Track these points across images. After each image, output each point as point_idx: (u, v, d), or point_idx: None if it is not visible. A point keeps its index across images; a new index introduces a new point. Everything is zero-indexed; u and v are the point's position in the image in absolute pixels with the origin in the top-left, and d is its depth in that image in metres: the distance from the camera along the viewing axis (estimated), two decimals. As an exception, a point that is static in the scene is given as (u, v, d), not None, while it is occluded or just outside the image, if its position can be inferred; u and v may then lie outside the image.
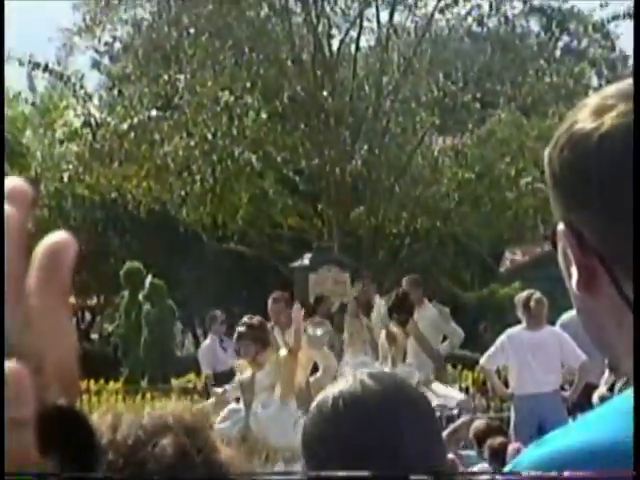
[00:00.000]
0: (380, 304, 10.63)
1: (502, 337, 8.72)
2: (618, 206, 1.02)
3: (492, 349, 8.75)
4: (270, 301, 9.64)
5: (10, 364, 0.51)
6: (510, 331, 8.70)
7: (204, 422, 1.18)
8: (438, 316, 10.43)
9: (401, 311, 9.54)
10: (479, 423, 7.13)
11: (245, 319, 8.22)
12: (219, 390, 8.84)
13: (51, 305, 0.55)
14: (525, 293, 8.94)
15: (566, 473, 1.00)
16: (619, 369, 1.09)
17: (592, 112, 1.07)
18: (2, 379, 0.46)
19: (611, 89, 1.09)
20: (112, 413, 1.17)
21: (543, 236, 19.00)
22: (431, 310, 10.51)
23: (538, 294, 8.77)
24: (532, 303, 8.61)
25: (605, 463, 0.98)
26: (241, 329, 8.06)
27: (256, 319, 8.24)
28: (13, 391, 0.50)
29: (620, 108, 1.05)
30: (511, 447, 5.98)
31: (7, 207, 0.54)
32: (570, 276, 1.08)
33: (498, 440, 6.12)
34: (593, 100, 1.10)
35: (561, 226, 1.08)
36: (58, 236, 0.57)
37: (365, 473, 0.60)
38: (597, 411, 1.12)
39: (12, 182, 0.56)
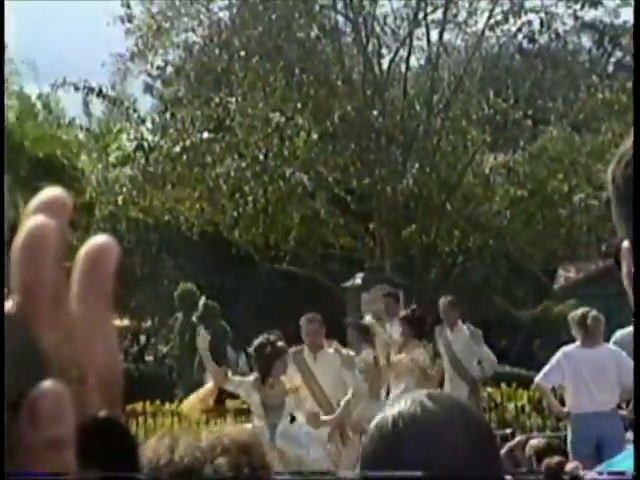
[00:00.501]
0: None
1: (558, 355, 8.62)
2: None
3: (548, 367, 8.65)
4: (304, 322, 9.35)
5: (48, 383, 0.50)
6: (566, 349, 8.61)
7: (258, 442, 1.19)
8: (471, 338, 10.33)
9: (418, 334, 9.57)
10: (537, 441, 7.06)
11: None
12: None
13: (93, 311, 0.55)
14: (580, 311, 8.85)
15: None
16: None
17: None
18: (2, 379, 0.46)
19: None
20: (170, 435, 1.18)
21: (598, 253, 18.84)
22: (465, 332, 10.41)
23: (594, 312, 8.68)
24: (589, 320, 8.52)
25: None
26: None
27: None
28: (53, 411, 0.50)
29: None
30: (569, 466, 5.92)
31: (44, 217, 0.53)
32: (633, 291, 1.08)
33: (556, 459, 6.05)
34: None
35: (626, 243, 1.07)
36: (99, 240, 0.56)
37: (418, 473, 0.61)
38: None
39: (50, 192, 0.55)
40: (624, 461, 1.10)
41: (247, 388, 8.10)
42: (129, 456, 0.53)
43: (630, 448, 1.16)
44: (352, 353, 9.50)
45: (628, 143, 1.10)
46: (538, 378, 8.74)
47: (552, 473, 5.81)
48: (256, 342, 8.40)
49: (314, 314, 9.29)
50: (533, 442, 7.06)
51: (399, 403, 1.64)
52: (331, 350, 9.15)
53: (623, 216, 1.08)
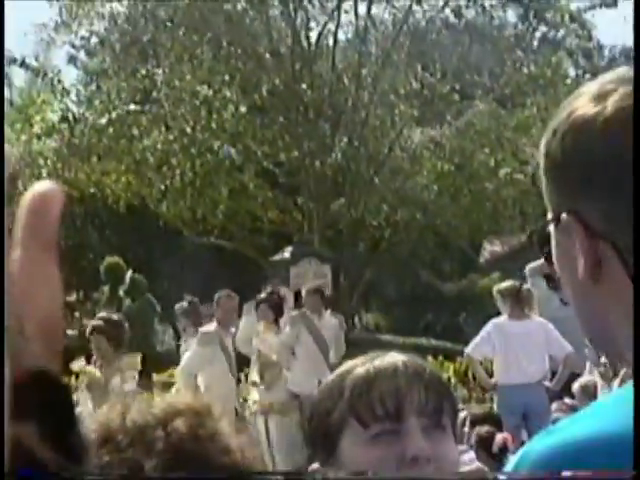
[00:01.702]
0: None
1: (488, 326, 8.70)
2: (627, 189, 1.02)
3: (478, 338, 8.73)
4: (222, 298, 9.26)
5: None
6: (496, 320, 8.69)
7: (213, 410, 1.18)
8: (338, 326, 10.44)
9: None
10: (476, 409, 7.13)
11: None
12: None
13: (35, 257, 0.51)
14: (507, 283, 8.95)
15: (565, 473, 1.00)
16: (622, 358, 1.09)
17: (592, 98, 1.07)
18: (2, 379, 0.44)
19: (608, 75, 1.10)
20: (121, 402, 1.18)
21: (522, 227, 19.05)
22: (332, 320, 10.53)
23: (525, 285, 8.80)
24: (522, 293, 8.63)
25: (617, 452, 0.98)
26: None
27: None
28: None
29: (621, 91, 1.05)
30: (499, 436, 5.99)
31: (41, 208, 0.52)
32: (566, 268, 1.08)
33: (485, 428, 6.12)
34: (591, 87, 1.10)
35: (563, 215, 1.07)
36: (43, 186, 0.53)
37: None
38: (605, 400, 1.11)
39: (44, 186, 0.54)
40: (566, 427, 1.10)
41: None
42: (65, 411, 0.51)
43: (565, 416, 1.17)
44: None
45: (561, 115, 1.10)
46: (468, 349, 8.82)
47: (483, 441, 5.87)
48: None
49: (229, 291, 9.28)
50: (473, 410, 7.13)
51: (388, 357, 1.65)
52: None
53: (561, 188, 1.08)
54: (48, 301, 0.52)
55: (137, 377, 7.73)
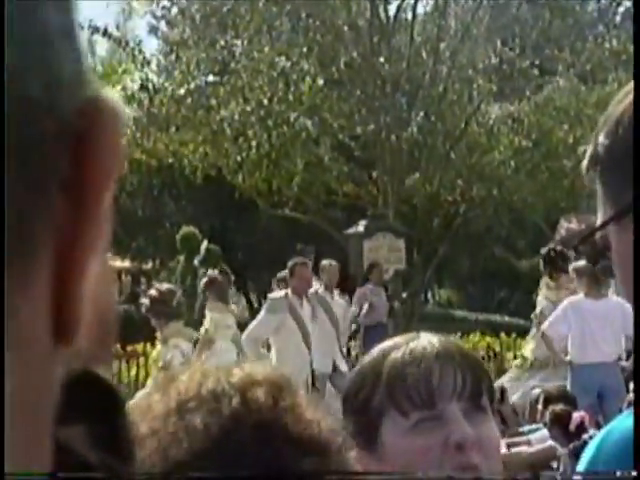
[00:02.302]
0: None
1: (564, 305, 8.62)
2: None
3: (554, 316, 8.67)
4: (296, 265, 9.20)
5: None
6: (572, 299, 8.61)
7: (291, 381, 1.19)
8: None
9: None
10: (550, 387, 7.09)
11: None
12: None
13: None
14: (583, 263, 8.86)
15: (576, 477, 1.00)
16: None
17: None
18: (2, 379, 0.42)
19: None
20: (201, 370, 1.19)
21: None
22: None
23: (603, 263, 8.71)
24: (598, 272, 8.54)
25: None
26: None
27: None
28: None
29: None
30: (576, 415, 5.94)
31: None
32: (627, 264, 1.07)
33: (560, 406, 6.08)
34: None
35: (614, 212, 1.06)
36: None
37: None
38: None
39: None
40: (623, 420, 1.10)
41: None
42: (115, 414, 0.50)
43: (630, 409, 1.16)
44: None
45: (618, 107, 1.09)
46: (544, 327, 8.76)
47: (558, 419, 5.84)
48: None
49: (302, 258, 9.27)
50: (547, 387, 7.08)
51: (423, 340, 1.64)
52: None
53: (621, 182, 1.07)
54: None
55: (184, 345, 7.78)
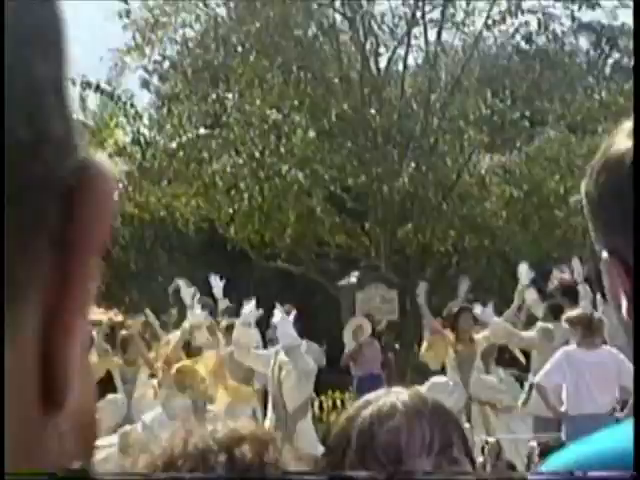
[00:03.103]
0: None
1: (559, 354, 8.60)
2: None
3: (549, 366, 8.64)
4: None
5: None
6: (567, 349, 8.59)
7: (275, 436, 1.19)
8: None
9: None
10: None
11: None
12: None
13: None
14: (577, 312, 8.85)
15: (577, 472, 1.00)
16: None
17: (627, 135, 1.06)
18: (2, 379, 0.41)
19: None
20: (185, 427, 1.18)
21: (591, 256, 18.86)
22: None
23: (596, 313, 8.71)
24: (594, 322, 8.54)
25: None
26: None
27: None
28: None
29: None
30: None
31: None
32: (616, 303, 1.07)
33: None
34: (628, 124, 1.09)
35: (605, 255, 1.06)
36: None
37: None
38: None
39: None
40: (599, 439, 1.09)
41: None
42: None
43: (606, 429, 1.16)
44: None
45: (599, 155, 1.10)
46: (538, 378, 8.73)
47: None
48: None
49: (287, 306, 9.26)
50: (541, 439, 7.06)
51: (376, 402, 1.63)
52: None
53: (601, 227, 1.07)
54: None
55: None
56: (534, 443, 6.93)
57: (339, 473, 1.52)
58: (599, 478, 0.95)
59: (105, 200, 0.45)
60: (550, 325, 10.29)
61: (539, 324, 10.56)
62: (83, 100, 26.39)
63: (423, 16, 20.07)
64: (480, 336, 10.20)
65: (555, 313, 10.19)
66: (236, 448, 1.12)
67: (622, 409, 8.39)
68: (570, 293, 11.48)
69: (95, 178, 0.45)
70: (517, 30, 20.62)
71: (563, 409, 8.63)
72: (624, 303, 1.04)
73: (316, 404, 13.08)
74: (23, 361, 0.43)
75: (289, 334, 8.86)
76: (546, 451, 6.34)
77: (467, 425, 7.81)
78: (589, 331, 8.50)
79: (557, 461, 1.10)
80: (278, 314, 9.12)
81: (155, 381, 9.19)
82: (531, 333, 10.49)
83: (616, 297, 1.07)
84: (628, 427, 1.08)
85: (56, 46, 0.46)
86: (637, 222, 1.00)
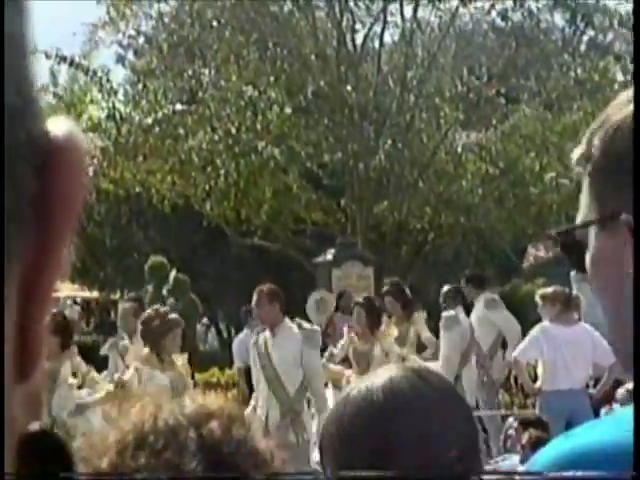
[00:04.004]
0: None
1: (536, 330, 8.63)
2: None
3: (526, 342, 8.67)
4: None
5: None
6: (544, 325, 8.62)
7: (242, 413, 1.19)
8: None
9: None
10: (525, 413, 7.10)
11: None
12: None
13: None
14: (553, 289, 8.89)
15: (566, 473, 1.00)
16: None
17: (628, 100, 1.08)
18: (2, 379, 0.42)
19: None
20: (154, 403, 1.18)
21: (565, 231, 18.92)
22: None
23: (571, 290, 8.77)
24: (571, 298, 8.60)
25: (619, 464, 0.98)
26: None
27: None
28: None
29: None
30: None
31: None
32: (606, 271, 1.07)
33: (537, 432, 6.10)
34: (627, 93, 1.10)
35: (623, 217, 1.05)
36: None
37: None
38: (628, 410, 1.10)
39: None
40: (584, 432, 1.10)
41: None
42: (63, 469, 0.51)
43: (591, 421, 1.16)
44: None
45: (603, 117, 1.10)
46: (516, 353, 8.77)
47: (537, 444, 5.84)
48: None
49: (265, 286, 8.53)
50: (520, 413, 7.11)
51: (383, 375, 1.57)
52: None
53: (610, 188, 1.07)
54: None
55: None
56: (510, 419, 6.98)
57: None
58: (599, 478, 0.95)
59: (78, 166, 0.46)
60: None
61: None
62: (56, 75, 26.26)
63: (400, -8, 20.03)
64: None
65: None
66: (205, 425, 1.12)
67: (595, 385, 8.47)
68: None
69: (66, 144, 0.46)
70: (493, 7, 20.61)
71: (538, 384, 8.69)
72: (629, 263, 1.04)
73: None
74: (7, 329, 0.43)
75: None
76: (526, 424, 6.38)
77: None
78: (566, 307, 8.55)
79: (542, 459, 1.10)
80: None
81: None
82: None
83: (613, 262, 1.06)
84: (608, 422, 1.08)
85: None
86: (637, 218, 1.01)
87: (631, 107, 1.07)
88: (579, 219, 1.13)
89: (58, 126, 0.46)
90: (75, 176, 0.45)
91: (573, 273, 9.46)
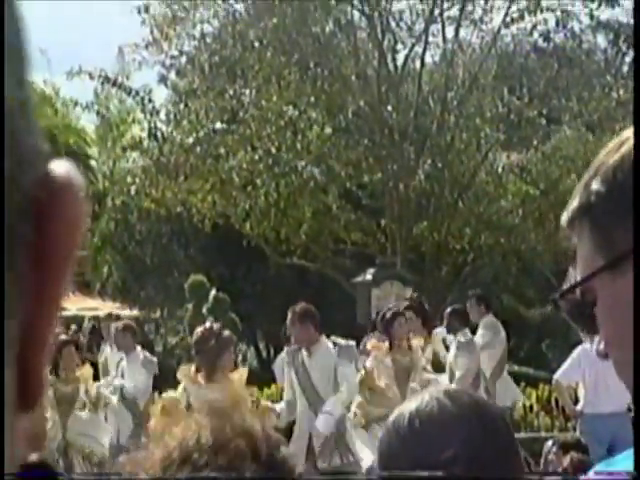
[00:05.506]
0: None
1: (577, 352, 8.54)
2: None
3: (567, 364, 8.59)
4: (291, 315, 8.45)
5: None
6: (586, 347, 8.54)
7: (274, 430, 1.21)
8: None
9: None
10: (564, 436, 7.03)
11: None
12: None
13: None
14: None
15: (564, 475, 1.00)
16: None
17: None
18: (2, 379, 0.44)
19: None
20: (195, 421, 1.20)
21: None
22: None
23: None
24: None
25: None
26: None
27: None
28: None
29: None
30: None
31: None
32: (621, 316, 1.06)
33: (579, 455, 6.04)
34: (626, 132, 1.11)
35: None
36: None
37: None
38: None
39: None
40: (624, 460, 1.09)
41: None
42: None
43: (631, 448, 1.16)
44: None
45: (610, 155, 1.10)
46: (558, 375, 8.69)
47: (580, 467, 5.78)
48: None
49: (300, 305, 8.48)
50: (560, 436, 7.03)
51: (415, 399, 1.63)
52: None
53: (622, 224, 1.06)
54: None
55: None
56: (550, 442, 6.91)
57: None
58: (599, 478, 0.95)
59: (73, 212, 0.46)
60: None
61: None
62: (97, 96, 26.55)
63: (441, 13, 20.05)
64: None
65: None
66: (245, 445, 1.14)
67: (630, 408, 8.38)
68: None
69: (62, 190, 0.46)
70: (535, 27, 20.56)
71: (580, 407, 8.61)
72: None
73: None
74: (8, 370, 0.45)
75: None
76: (566, 447, 6.32)
77: None
78: None
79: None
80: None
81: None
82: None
83: (627, 305, 1.06)
84: None
85: (19, 63, 0.46)
86: (637, 223, 1.00)
87: (625, 148, 1.07)
88: (578, 276, 1.11)
89: (57, 169, 0.46)
90: (70, 215, 0.46)
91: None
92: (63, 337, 9.20)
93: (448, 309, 10.65)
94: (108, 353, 11.95)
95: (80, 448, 8.73)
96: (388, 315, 9.68)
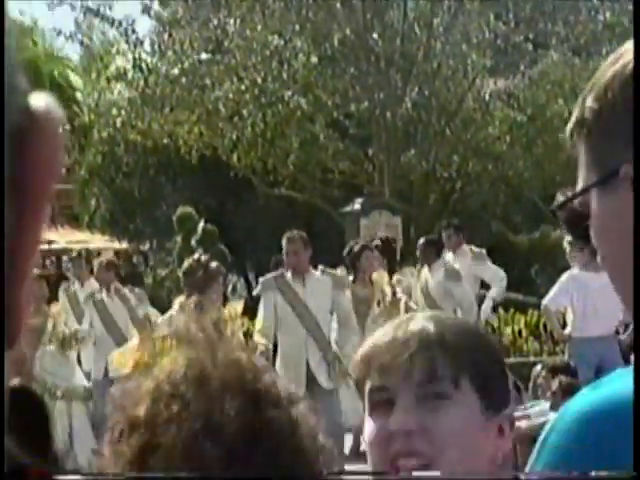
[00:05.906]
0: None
1: (566, 277, 8.59)
2: None
3: (556, 290, 8.65)
4: (285, 242, 8.40)
5: None
6: (573, 272, 8.59)
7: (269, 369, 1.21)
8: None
9: None
10: (552, 359, 7.10)
11: None
12: None
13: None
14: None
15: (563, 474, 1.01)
16: None
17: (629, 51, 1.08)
18: (2, 380, 0.44)
19: None
20: (186, 353, 1.20)
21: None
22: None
23: None
24: None
25: None
26: None
27: None
28: None
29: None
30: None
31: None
32: (616, 231, 1.06)
33: (567, 379, 6.11)
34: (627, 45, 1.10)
35: (625, 168, 1.05)
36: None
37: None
38: None
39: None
40: (609, 383, 1.10)
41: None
42: (43, 428, 0.53)
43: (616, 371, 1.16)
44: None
45: (609, 68, 1.09)
46: (546, 300, 8.75)
47: (568, 390, 5.84)
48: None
49: (296, 232, 8.52)
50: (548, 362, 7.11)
51: (408, 323, 1.62)
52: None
53: (620, 138, 1.06)
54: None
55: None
56: (539, 366, 6.99)
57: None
58: (599, 478, 0.96)
59: (52, 144, 0.46)
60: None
61: None
62: (81, 25, 26.19)
63: (426, -62, 19.78)
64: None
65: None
66: (233, 378, 1.14)
67: (625, 331, 8.46)
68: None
69: (40, 122, 0.46)
70: (521, -49, 20.32)
71: (568, 331, 8.69)
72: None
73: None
74: None
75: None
76: (555, 371, 6.39)
77: None
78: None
79: (573, 408, 1.10)
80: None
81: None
82: None
83: (622, 218, 1.06)
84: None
85: None
86: (637, 217, 1.00)
87: (618, 65, 1.07)
88: (578, 187, 1.12)
89: (36, 102, 0.46)
90: (50, 154, 0.46)
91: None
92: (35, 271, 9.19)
93: (421, 240, 10.69)
94: (77, 288, 11.89)
95: (42, 383, 8.70)
96: (356, 249, 9.75)
